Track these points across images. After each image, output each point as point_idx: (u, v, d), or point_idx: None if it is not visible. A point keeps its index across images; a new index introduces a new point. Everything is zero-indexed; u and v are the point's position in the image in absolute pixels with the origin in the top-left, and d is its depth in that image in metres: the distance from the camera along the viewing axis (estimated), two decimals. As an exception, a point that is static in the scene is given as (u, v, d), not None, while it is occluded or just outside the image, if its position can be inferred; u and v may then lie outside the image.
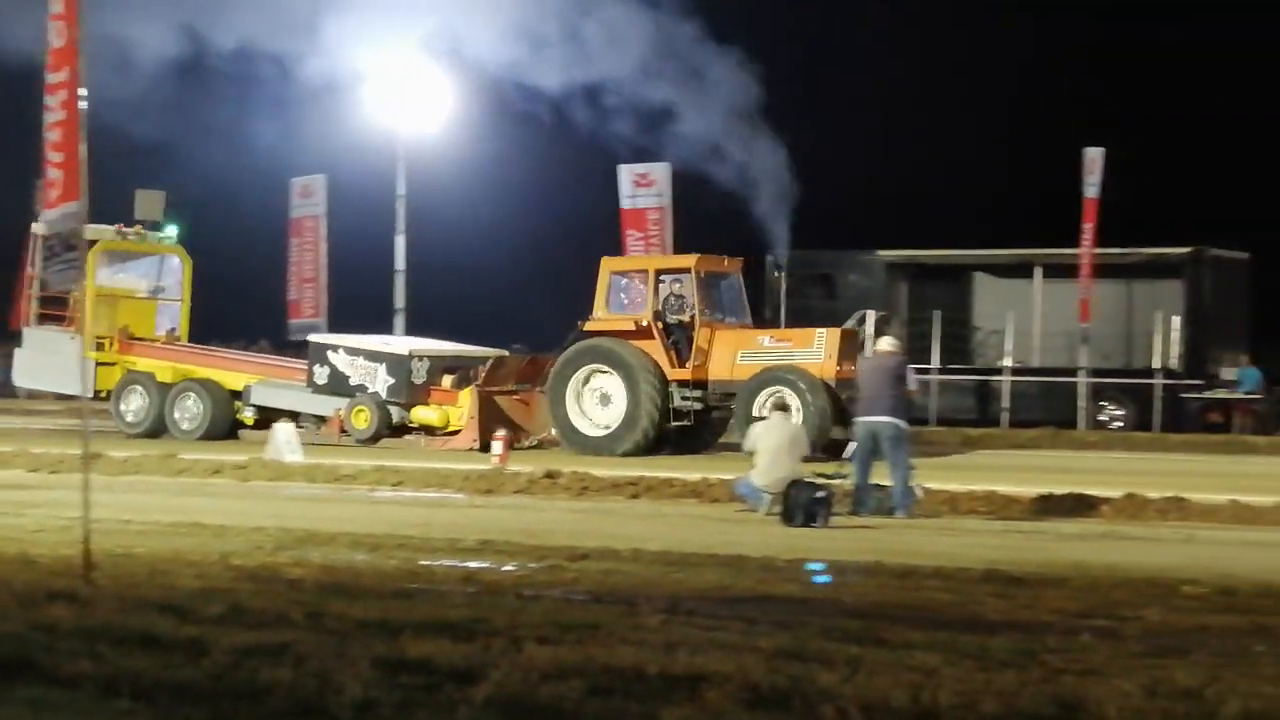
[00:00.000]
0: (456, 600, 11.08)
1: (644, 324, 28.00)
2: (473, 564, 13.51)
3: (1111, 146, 35.38)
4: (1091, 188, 35.07)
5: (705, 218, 36.41)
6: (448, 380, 29.89)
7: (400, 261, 38.48)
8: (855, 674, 8.41)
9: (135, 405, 31.81)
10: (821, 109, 50.01)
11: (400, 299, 38.43)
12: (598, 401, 28.22)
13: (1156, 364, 36.65)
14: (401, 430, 29.70)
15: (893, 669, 8.58)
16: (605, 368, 28.05)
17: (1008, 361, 37.51)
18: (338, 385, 30.09)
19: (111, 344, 32.57)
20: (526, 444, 28.33)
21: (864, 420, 18.96)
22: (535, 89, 33.99)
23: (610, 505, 19.84)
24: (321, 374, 30.44)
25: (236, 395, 31.57)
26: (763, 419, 21.23)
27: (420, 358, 30.00)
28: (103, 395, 31.61)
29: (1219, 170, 51.34)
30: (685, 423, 28.01)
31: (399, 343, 31.73)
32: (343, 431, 29.69)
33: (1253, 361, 37.84)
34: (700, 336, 28.10)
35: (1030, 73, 51.45)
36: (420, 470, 22.64)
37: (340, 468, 22.94)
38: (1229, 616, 10.99)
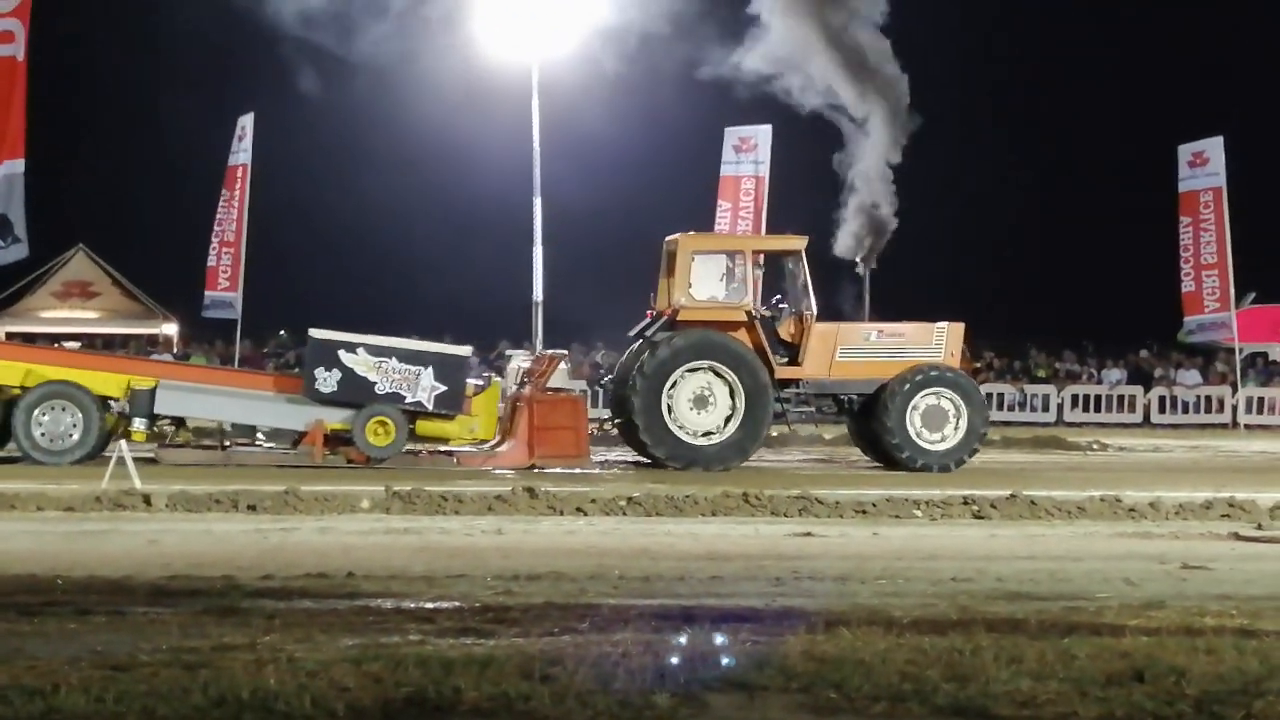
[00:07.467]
0: None
1: (753, 315, 24.77)
2: None
3: None
4: None
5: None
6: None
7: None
8: None
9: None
10: None
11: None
12: (690, 405, 24.43)
13: None
14: None
15: None
16: (715, 366, 24.38)
17: None
18: (354, 393, 23.81)
19: None
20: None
21: None
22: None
23: None
24: (328, 379, 23.94)
25: (105, 402, 24.02)
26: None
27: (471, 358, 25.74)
28: None
29: None
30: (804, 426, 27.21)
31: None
32: (327, 447, 23.93)
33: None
34: (786, 330, 25.34)
35: None
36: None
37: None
38: None
